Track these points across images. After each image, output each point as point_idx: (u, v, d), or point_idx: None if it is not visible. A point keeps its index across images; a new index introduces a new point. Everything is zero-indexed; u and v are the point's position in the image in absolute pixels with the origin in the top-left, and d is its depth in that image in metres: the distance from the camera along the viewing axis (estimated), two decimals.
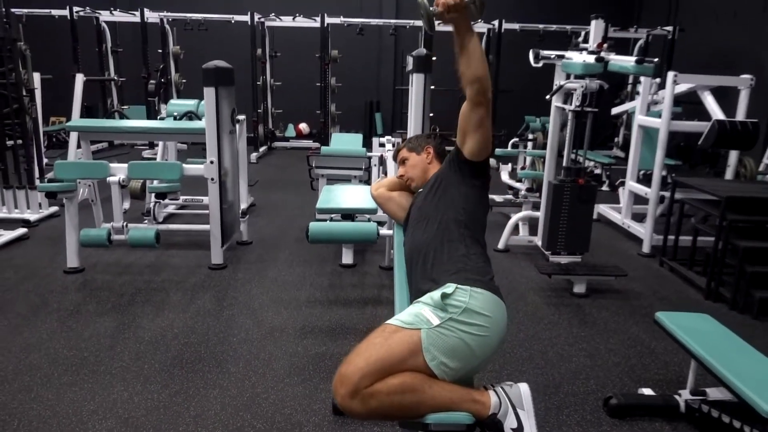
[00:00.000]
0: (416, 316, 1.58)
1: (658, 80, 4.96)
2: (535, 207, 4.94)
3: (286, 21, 9.07)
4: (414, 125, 4.09)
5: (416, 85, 3.99)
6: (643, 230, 4.78)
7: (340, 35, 9.51)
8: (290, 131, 10.86)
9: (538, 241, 4.55)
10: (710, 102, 4.36)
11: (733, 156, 4.55)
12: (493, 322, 1.61)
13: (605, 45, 3.56)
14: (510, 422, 1.50)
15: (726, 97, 4.65)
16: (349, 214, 3.87)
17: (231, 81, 4.02)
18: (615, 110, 6.78)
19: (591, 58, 3.31)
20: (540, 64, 4.18)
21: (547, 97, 3.96)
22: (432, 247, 1.78)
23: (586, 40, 3.73)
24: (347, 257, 4.19)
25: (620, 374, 2.77)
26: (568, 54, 3.61)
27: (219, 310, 3.36)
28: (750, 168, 4.61)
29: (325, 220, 3.68)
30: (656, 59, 3.41)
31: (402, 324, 1.57)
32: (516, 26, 8.57)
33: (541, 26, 8.62)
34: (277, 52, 9.51)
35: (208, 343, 2.95)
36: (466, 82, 1.73)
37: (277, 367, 2.73)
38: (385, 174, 5.61)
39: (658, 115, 4.60)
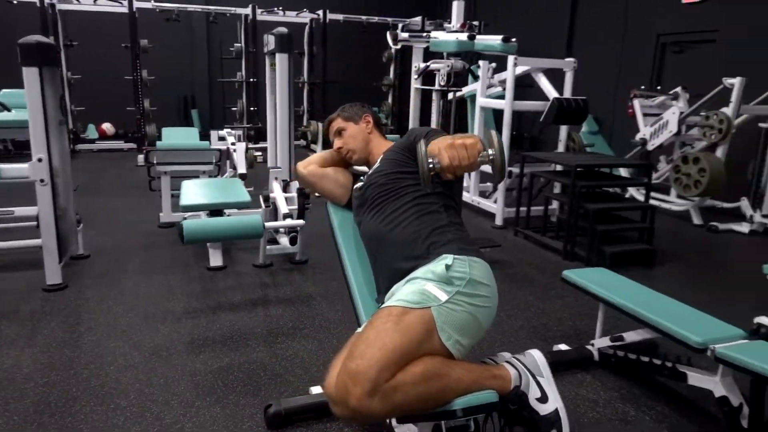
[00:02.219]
0: (422, 294, 1.39)
1: (494, 65, 5.31)
2: None
3: (86, 4, 7.89)
4: (280, 109, 3.81)
5: (280, 65, 3.72)
6: (494, 205, 5.09)
7: (147, 23, 8.58)
8: (92, 132, 9.52)
9: None
10: (544, 83, 4.79)
11: (563, 131, 5.07)
12: (493, 292, 1.50)
13: (467, 25, 3.67)
14: (533, 392, 1.40)
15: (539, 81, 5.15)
16: (218, 210, 3.46)
17: (55, 61, 3.31)
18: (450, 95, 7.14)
19: (464, 36, 3.38)
20: (399, 46, 4.19)
21: (414, 77, 3.97)
22: (409, 221, 1.60)
23: (449, 22, 3.81)
24: (215, 259, 3.74)
25: (529, 336, 2.87)
26: (435, 34, 3.65)
27: (77, 338, 2.73)
28: (578, 141, 5.19)
29: (183, 219, 3.23)
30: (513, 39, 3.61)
31: (409, 304, 1.37)
32: (340, 17, 8.57)
33: (364, 18, 8.74)
34: (74, 40, 8.24)
35: (77, 378, 2.37)
36: None
37: (179, 390, 2.29)
38: (234, 168, 5.19)
39: (494, 98, 4.93)
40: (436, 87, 3.89)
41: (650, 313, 2.20)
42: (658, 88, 6.27)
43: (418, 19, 8.98)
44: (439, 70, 3.87)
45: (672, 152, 5.92)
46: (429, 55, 4.58)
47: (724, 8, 6.62)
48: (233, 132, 5.98)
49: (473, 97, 5.69)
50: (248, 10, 7.99)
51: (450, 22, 3.76)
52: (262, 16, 8.15)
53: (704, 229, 5.19)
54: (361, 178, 1.90)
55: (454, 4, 3.75)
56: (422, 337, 1.33)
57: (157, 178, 4.72)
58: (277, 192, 3.59)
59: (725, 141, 5.14)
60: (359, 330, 1.54)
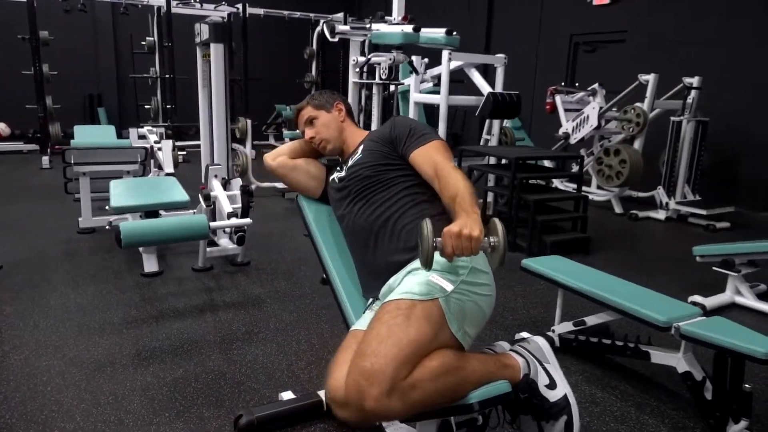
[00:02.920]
0: (428, 285, 1.33)
1: (426, 60, 5.34)
2: None
3: None
4: (216, 104, 3.61)
5: (216, 56, 3.51)
6: None
7: (48, 13, 7.91)
8: None
9: None
10: (477, 78, 4.86)
11: (496, 126, 5.18)
12: (492, 279, 1.46)
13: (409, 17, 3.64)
14: (542, 379, 1.38)
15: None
16: (153, 211, 3.22)
17: None
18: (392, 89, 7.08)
19: (409, 28, 3.35)
20: (336, 39, 4.09)
21: (356, 70, 3.89)
22: (401, 212, 1.53)
23: (389, 14, 3.77)
24: (150, 264, 3.48)
25: (489, 326, 2.88)
26: (376, 26, 3.60)
27: (1, 358, 2.43)
28: (510, 135, 5.32)
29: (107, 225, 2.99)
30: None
31: (416, 296, 1.31)
32: (261, 11, 8.30)
33: (286, 13, 8.53)
34: None
35: (8, 403, 2.10)
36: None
37: (132, 407, 2.08)
38: (159, 168, 4.89)
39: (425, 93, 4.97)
40: (377, 81, 3.83)
41: (613, 296, 2.27)
42: (577, 84, 6.59)
43: (341, 15, 8.87)
44: (379, 64, 3.82)
45: (592, 145, 6.24)
46: (368, 48, 4.53)
47: (631, 10, 7.07)
48: (155, 130, 5.64)
49: (405, 93, 5.72)
50: (162, 2, 7.55)
51: (391, 15, 3.72)
52: (177, 8, 7.72)
53: (626, 218, 5.51)
54: (338, 169, 1.81)
55: None
56: (434, 329, 1.27)
57: (74, 180, 4.33)
58: (218, 190, 3.40)
59: (642, 133, 5.48)
60: (356, 328, 1.46)
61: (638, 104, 5.54)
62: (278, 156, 1.89)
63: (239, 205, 3.31)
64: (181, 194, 3.33)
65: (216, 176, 3.48)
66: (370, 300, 1.59)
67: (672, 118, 5.40)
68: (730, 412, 1.96)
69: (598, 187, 6.13)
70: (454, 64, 4.92)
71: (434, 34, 3.51)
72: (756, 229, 5.13)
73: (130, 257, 3.70)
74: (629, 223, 5.37)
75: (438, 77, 5.06)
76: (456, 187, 1.42)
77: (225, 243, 3.66)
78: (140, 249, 3.47)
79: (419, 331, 1.24)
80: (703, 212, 5.14)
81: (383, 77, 3.74)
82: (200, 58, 3.84)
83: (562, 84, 6.61)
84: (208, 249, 3.53)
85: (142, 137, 5.52)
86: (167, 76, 8.23)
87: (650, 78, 5.48)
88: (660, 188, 5.48)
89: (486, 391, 1.28)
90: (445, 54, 4.73)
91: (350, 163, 1.71)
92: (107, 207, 4.42)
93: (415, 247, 1.46)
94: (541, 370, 1.40)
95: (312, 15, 8.93)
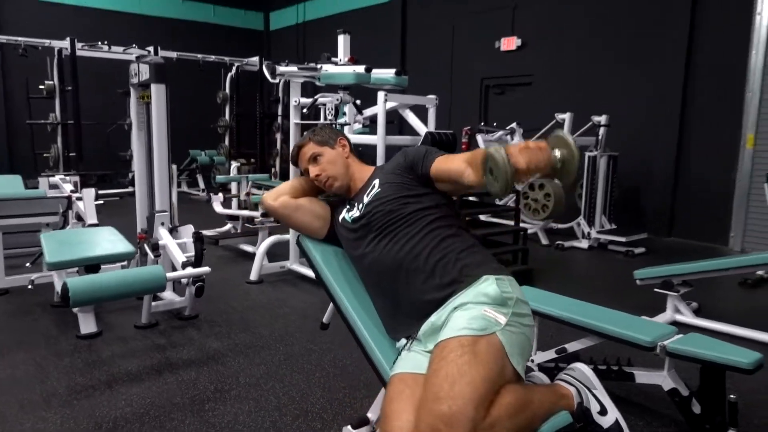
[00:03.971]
0: (484, 319, 1.30)
1: (359, 102, 5.39)
2: (271, 231, 4.74)
3: None
4: (158, 147, 3.41)
5: (157, 97, 3.34)
6: None
7: None
8: None
9: (291, 264, 4.37)
10: (412, 118, 4.98)
11: None
12: (530, 309, 1.46)
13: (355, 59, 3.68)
14: (594, 406, 1.38)
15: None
16: (94, 265, 2.94)
17: None
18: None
19: (361, 69, 3.37)
20: (278, 80, 4.04)
21: (305, 110, 3.84)
22: (429, 247, 1.50)
23: (335, 56, 3.78)
24: (88, 324, 3.14)
25: None
26: (326, 67, 3.60)
27: None
28: None
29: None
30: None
31: (476, 332, 1.27)
32: (174, 54, 8.04)
33: (200, 56, 8.33)
34: None
35: None
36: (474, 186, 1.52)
37: None
38: (80, 220, 4.52)
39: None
40: (323, 121, 3.81)
41: (595, 321, 2.35)
42: (495, 124, 6.94)
43: (256, 58, 8.83)
44: (324, 104, 3.81)
45: None
46: (307, 89, 4.49)
47: (536, 56, 7.63)
48: (68, 178, 5.21)
49: None
50: (65, 43, 7.09)
51: (337, 56, 3.74)
52: (83, 51, 7.28)
53: (553, 248, 5.79)
54: (347, 207, 1.75)
55: (340, 39, 3.75)
56: (501, 364, 1.24)
57: None
58: (167, 238, 3.16)
59: None
60: (402, 371, 1.39)
61: None
62: (279, 196, 1.79)
63: (192, 253, 3.10)
64: (124, 245, 3.06)
65: (162, 224, 3.24)
66: (405, 341, 1.52)
67: (587, 154, 5.81)
68: (718, 423, 2.07)
69: (522, 221, 6.42)
70: (390, 104, 5.03)
71: (384, 74, 3.57)
72: (666, 253, 5.59)
73: (59, 318, 3.34)
74: (558, 253, 5.65)
75: (370, 118, 5.13)
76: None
77: (171, 296, 3.40)
78: (75, 308, 3.13)
79: (489, 367, 1.21)
80: (623, 239, 5.53)
81: (330, 117, 3.73)
82: (135, 100, 3.63)
83: (482, 124, 6.94)
84: (153, 303, 3.25)
85: (53, 186, 5.07)
86: (70, 121, 7.70)
87: (566, 116, 5.90)
88: (581, 219, 5.84)
89: (553, 424, 1.27)
90: (381, 95, 4.79)
91: (367, 199, 1.66)
92: (28, 264, 4.01)
93: (452, 282, 1.43)
94: (591, 396, 1.40)
95: (227, 59, 8.78)
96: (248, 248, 4.95)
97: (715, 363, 2.01)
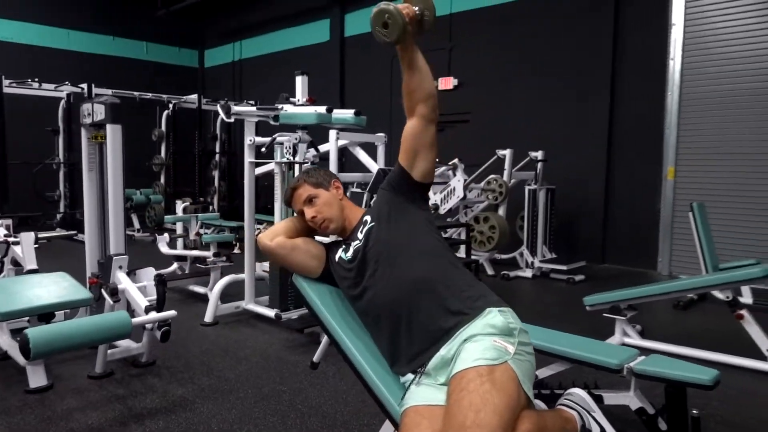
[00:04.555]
0: (496, 350, 1.37)
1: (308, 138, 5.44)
2: (224, 271, 4.65)
3: None
4: (113, 188, 3.31)
5: (113, 138, 3.26)
6: None
7: None
8: None
9: (246, 304, 4.29)
10: (363, 155, 5.09)
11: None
12: (530, 338, 1.54)
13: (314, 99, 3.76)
14: (594, 428, 1.46)
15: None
16: (47, 313, 2.80)
17: None
18: (259, 170, 6.92)
19: (322, 109, 3.44)
20: (232, 119, 4.04)
21: (263, 149, 3.85)
22: (433, 279, 1.56)
23: (293, 96, 3.82)
24: (38, 377, 2.94)
25: None
26: (286, 107, 3.64)
27: None
28: None
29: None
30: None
31: (491, 361, 1.34)
32: (108, 91, 7.81)
33: (137, 93, 8.13)
34: None
35: None
36: (419, 100, 1.64)
37: None
38: (16, 265, 4.28)
39: None
40: (279, 159, 3.84)
41: (564, 347, 2.47)
42: (437, 160, 7.16)
43: (195, 96, 8.74)
44: (282, 143, 3.84)
45: (457, 214, 6.76)
46: (262, 129, 4.50)
47: (473, 95, 8.00)
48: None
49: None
50: None
51: (294, 96, 3.79)
52: (10, 88, 6.95)
53: (498, 278, 5.99)
54: (342, 247, 1.78)
55: (298, 80, 3.81)
56: (517, 391, 1.31)
57: None
58: (126, 282, 3.04)
59: (504, 201, 6.11)
60: (415, 404, 1.42)
61: (497, 176, 6.20)
62: (275, 236, 1.80)
63: (153, 297, 3.00)
64: (80, 291, 2.92)
65: (120, 267, 3.12)
66: (411, 375, 1.55)
67: (527, 187, 6.11)
68: None
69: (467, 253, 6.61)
70: (341, 142, 5.11)
71: (343, 114, 3.65)
72: (603, 279, 5.92)
73: (7, 374, 3.11)
74: (504, 282, 5.85)
75: (318, 157, 5.18)
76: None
77: (127, 342, 3.25)
78: (24, 361, 2.94)
79: (508, 395, 1.27)
80: (564, 267, 5.81)
81: (289, 157, 3.75)
82: (86, 140, 3.52)
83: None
84: (108, 351, 3.10)
85: None
86: None
87: (507, 152, 6.20)
88: (524, 249, 6.09)
89: None
90: (333, 133, 4.89)
91: (362, 235, 1.71)
92: None
93: (457, 313, 1.50)
94: (591, 419, 1.49)
95: (165, 96, 8.63)
96: (199, 289, 4.81)
97: (678, 381, 2.16)
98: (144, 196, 9.10)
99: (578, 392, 1.59)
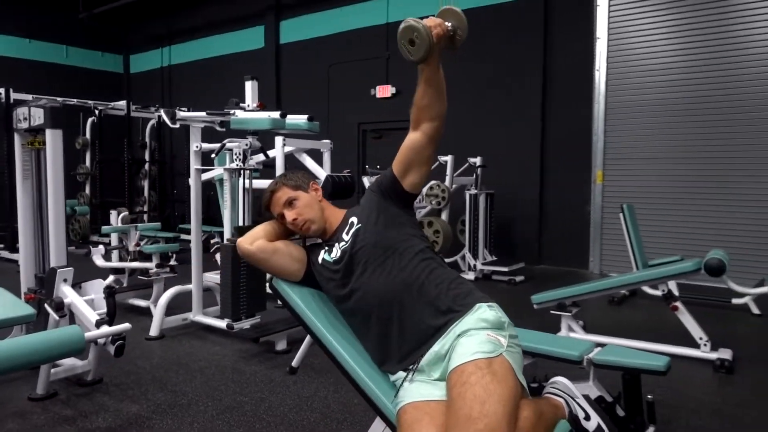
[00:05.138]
0: (490, 343, 1.42)
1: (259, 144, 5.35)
2: (167, 283, 4.48)
3: None
4: (53, 198, 3.13)
5: (53, 144, 3.08)
6: None
7: None
8: None
9: (194, 316, 4.15)
10: (310, 161, 5.06)
11: None
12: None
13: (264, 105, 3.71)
14: (580, 413, 1.53)
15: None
16: None
17: None
18: (205, 176, 6.67)
19: (276, 114, 3.40)
20: (178, 125, 3.91)
21: (213, 155, 3.75)
22: (421, 280, 1.59)
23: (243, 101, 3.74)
24: None
25: None
26: (238, 112, 3.58)
27: None
28: None
29: None
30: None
31: (487, 354, 1.39)
32: (28, 96, 7.32)
33: (60, 99, 7.67)
34: None
35: None
36: (427, 117, 1.67)
37: None
38: None
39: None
40: (228, 166, 3.76)
41: (525, 341, 2.55)
42: (378, 167, 7.24)
43: (123, 102, 8.37)
44: (231, 150, 3.76)
45: None
46: (207, 135, 4.36)
47: (410, 102, 8.12)
48: None
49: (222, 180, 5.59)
50: None
51: (244, 101, 3.72)
52: None
53: None
54: (325, 248, 1.78)
55: (248, 84, 3.74)
56: (515, 381, 1.35)
57: None
58: (72, 296, 2.86)
59: (447, 206, 6.25)
60: (414, 400, 1.44)
61: (438, 181, 6.34)
62: (255, 240, 1.77)
63: (104, 310, 2.84)
64: (21, 307, 2.73)
65: (65, 280, 2.93)
66: (402, 373, 1.56)
67: (467, 192, 6.29)
68: (639, 423, 2.36)
69: None
70: (288, 149, 5.06)
71: (297, 120, 3.63)
72: (541, 279, 6.18)
73: None
74: None
75: (263, 163, 5.11)
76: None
77: (71, 360, 3.06)
78: None
79: (509, 385, 1.32)
80: (505, 269, 6.01)
81: (239, 163, 3.68)
82: (20, 146, 3.30)
83: (366, 167, 7.19)
84: (51, 370, 2.91)
85: None
86: None
87: (448, 158, 6.35)
88: (467, 252, 6.25)
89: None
90: (279, 140, 4.84)
91: (348, 236, 1.71)
92: None
93: (446, 311, 1.53)
94: (576, 405, 1.56)
95: (91, 102, 8.20)
96: (140, 302, 4.60)
97: (636, 369, 2.31)
98: (69, 207, 8.60)
99: (562, 380, 1.67)
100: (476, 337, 1.45)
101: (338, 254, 1.71)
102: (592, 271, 6.74)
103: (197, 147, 4.02)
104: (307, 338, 2.65)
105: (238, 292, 3.73)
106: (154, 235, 6.08)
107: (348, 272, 1.68)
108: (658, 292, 5.14)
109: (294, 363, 2.52)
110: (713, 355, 3.41)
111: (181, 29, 10.83)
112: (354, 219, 1.75)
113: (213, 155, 3.73)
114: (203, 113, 3.65)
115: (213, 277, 4.91)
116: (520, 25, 7.14)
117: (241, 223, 3.86)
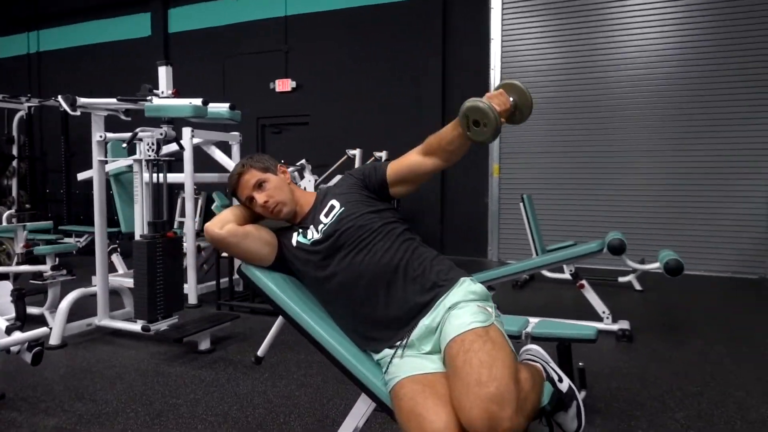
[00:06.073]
0: (483, 313, 1.48)
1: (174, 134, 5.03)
2: (64, 287, 4.09)
3: None
4: None
5: None
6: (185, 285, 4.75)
7: None
8: None
9: (100, 320, 3.83)
10: (219, 155, 4.87)
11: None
12: None
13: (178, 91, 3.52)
14: (554, 376, 1.64)
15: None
16: None
17: None
18: (81, 175, 6.08)
19: (198, 101, 3.23)
20: (78, 113, 3.58)
21: (124, 145, 3.46)
22: (405, 259, 1.63)
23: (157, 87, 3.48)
24: None
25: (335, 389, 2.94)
26: (154, 99, 3.35)
27: None
28: None
29: None
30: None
31: (483, 323, 1.45)
32: None
33: None
34: None
35: None
36: (444, 157, 1.73)
37: None
38: None
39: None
40: (140, 156, 3.51)
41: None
42: (282, 161, 7.09)
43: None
44: (141, 140, 3.51)
45: None
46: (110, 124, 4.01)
47: (310, 97, 8.08)
48: None
49: (119, 174, 5.23)
50: None
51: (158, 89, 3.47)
52: None
53: None
54: (299, 231, 1.74)
55: (161, 70, 3.50)
56: (509, 346, 1.42)
57: None
58: None
59: None
60: (411, 374, 1.46)
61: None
62: (225, 224, 1.68)
63: (12, 315, 2.54)
64: None
65: None
66: (388, 350, 1.56)
67: None
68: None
69: None
70: (196, 140, 4.83)
71: (219, 108, 3.46)
72: None
73: None
74: None
75: (172, 155, 4.83)
76: (443, 130, 1.71)
77: None
78: None
79: (508, 351, 1.38)
80: None
81: (151, 154, 3.45)
82: None
83: (282, 161, 7.02)
84: None
85: None
86: None
87: (356, 152, 6.40)
88: None
89: (546, 393, 1.49)
90: (187, 131, 4.60)
91: (328, 219, 1.69)
92: None
93: (432, 287, 1.57)
94: (550, 369, 1.66)
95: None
96: (32, 309, 4.15)
97: (570, 339, 2.50)
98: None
99: (535, 347, 1.77)
100: (468, 308, 1.50)
101: (319, 236, 1.68)
102: (491, 259, 7.14)
103: (101, 137, 3.71)
104: (275, 326, 2.58)
105: (154, 291, 3.50)
106: (33, 237, 5.51)
107: (330, 254, 1.66)
108: (557, 275, 5.62)
109: (260, 353, 2.49)
110: (615, 327, 3.77)
111: (51, 13, 9.84)
112: (334, 202, 1.73)
113: (123, 146, 3.45)
114: (112, 99, 3.37)
115: (116, 279, 4.57)
116: (419, 24, 7.35)
117: (153, 219, 3.62)
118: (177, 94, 3.47)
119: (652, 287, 5.33)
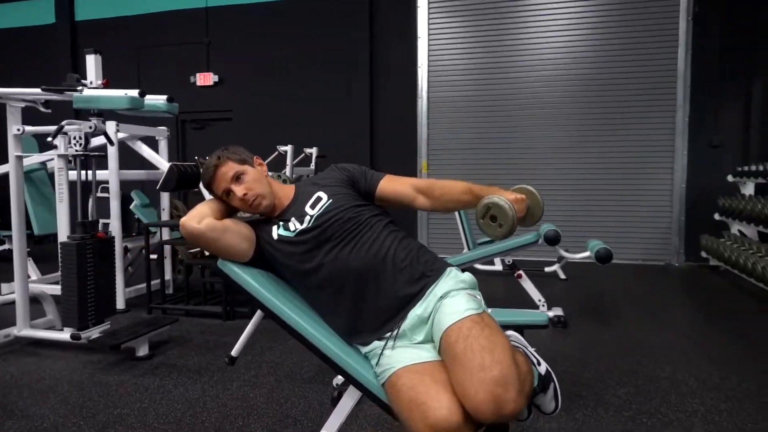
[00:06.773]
0: (475, 300, 1.52)
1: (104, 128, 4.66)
2: None
3: None
4: None
5: None
6: None
7: None
8: None
9: (20, 331, 3.52)
10: (147, 150, 4.61)
11: (166, 199, 4.98)
12: None
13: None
14: (534, 360, 1.70)
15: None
16: None
17: None
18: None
19: (135, 92, 3.04)
20: None
21: (49, 139, 3.18)
22: (392, 249, 1.64)
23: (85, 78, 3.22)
24: None
25: (289, 393, 2.89)
26: (85, 90, 3.11)
27: None
28: (182, 208, 5.16)
29: None
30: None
31: (476, 310, 1.49)
32: None
33: None
34: None
35: None
36: (437, 205, 1.84)
37: None
38: None
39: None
40: (63, 152, 3.26)
41: None
42: (196, 158, 6.82)
43: None
44: (67, 133, 3.25)
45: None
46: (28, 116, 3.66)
47: (234, 92, 7.84)
48: None
49: (31, 172, 4.84)
50: None
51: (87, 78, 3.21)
52: None
53: None
54: (280, 224, 1.69)
55: (89, 58, 3.25)
56: (503, 331, 1.45)
57: None
58: None
59: None
60: (408, 364, 1.46)
61: (281, 172, 6.23)
62: (203, 218, 1.60)
63: None
64: None
65: None
66: (378, 342, 1.55)
67: None
68: None
69: None
70: (121, 135, 4.54)
71: (155, 100, 3.26)
72: None
73: None
74: None
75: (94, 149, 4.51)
76: (460, 182, 1.83)
77: None
78: None
79: (503, 335, 1.42)
80: None
81: (78, 149, 3.20)
82: None
83: (196, 158, 6.74)
84: None
85: None
86: None
87: (288, 148, 6.27)
88: None
89: (536, 377, 1.54)
90: (111, 125, 4.31)
91: (315, 211, 1.66)
92: None
93: (420, 278, 1.58)
94: (529, 353, 1.72)
95: None
96: None
97: (524, 325, 2.60)
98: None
99: (514, 334, 1.82)
100: (460, 296, 1.52)
101: (305, 227, 1.65)
102: None
103: (19, 130, 3.41)
104: (250, 324, 2.49)
105: (85, 296, 3.27)
106: None
107: (316, 246, 1.63)
108: (488, 267, 5.82)
109: (233, 352, 2.40)
110: (551, 313, 3.97)
111: None
112: (321, 194, 1.71)
113: (49, 139, 3.17)
114: (36, 89, 3.09)
115: (34, 286, 4.21)
116: (346, 19, 7.34)
117: (80, 218, 3.37)
118: (108, 84, 3.25)
119: (575, 276, 5.66)
